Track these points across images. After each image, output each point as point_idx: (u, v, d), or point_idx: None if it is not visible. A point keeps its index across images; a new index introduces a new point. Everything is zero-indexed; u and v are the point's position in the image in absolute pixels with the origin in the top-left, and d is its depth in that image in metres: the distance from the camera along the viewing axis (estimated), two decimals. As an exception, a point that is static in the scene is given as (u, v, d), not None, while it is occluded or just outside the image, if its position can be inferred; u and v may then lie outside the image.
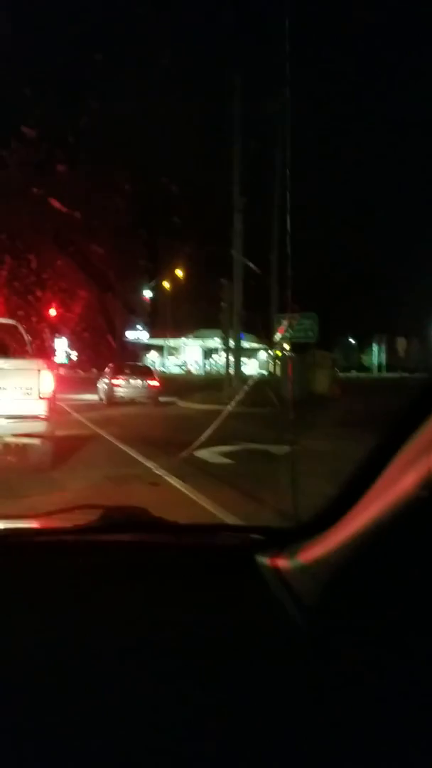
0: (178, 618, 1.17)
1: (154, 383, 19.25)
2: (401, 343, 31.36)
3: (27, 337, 8.90)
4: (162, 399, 19.45)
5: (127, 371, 19.62)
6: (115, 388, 18.75)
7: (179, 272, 39.80)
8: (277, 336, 18.93)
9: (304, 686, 0.99)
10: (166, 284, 42.14)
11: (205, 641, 1.11)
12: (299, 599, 1.12)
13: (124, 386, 18.83)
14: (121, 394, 18.63)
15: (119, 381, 18.89)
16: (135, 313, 41.01)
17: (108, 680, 1.01)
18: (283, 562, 1.22)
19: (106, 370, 20.19)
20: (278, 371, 19.98)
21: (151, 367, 23.65)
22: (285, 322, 18.40)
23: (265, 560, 1.28)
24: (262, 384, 18.47)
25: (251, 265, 19.10)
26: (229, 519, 5.00)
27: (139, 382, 19.00)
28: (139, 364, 25.07)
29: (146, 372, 20.52)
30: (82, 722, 0.93)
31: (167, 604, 1.22)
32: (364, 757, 0.85)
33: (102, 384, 19.73)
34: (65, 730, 0.91)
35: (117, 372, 19.35)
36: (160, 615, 1.19)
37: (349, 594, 1.03)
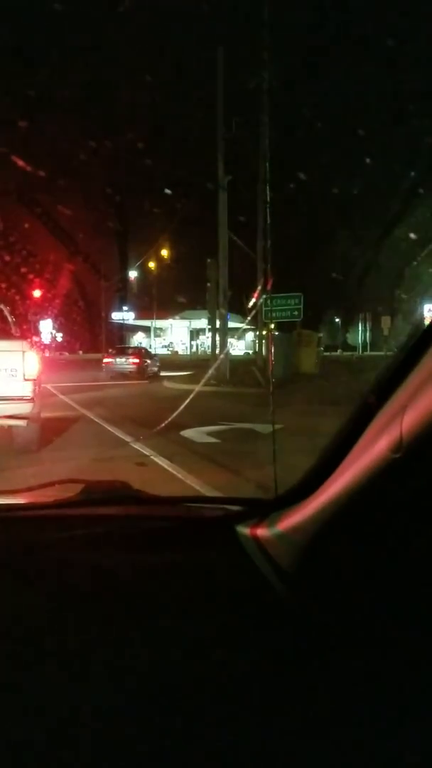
0: (161, 587, 1.19)
1: (135, 360, 24.24)
2: (386, 322, 31.35)
3: (11, 318, 8.81)
4: (149, 378, 23.09)
5: (118, 352, 25.74)
6: (106, 366, 24.07)
7: (165, 252, 39.43)
8: (252, 301, 18.89)
9: (284, 650, 1.01)
10: (152, 264, 41.77)
11: (186, 609, 1.12)
12: (278, 566, 1.14)
13: (113, 364, 24.00)
14: (112, 370, 23.63)
15: (109, 360, 24.54)
16: (120, 291, 40.69)
17: (89, 651, 1.02)
18: (262, 532, 1.24)
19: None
20: (264, 351, 19.98)
21: (140, 348, 29.72)
22: (259, 287, 18.44)
23: (245, 530, 1.30)
24: (248, 364, 18.60)
25: (239, 241, 18.93)
26: (214, 494, 5.03)
27: (124, 359, 24.32)
28: (132, 346, 31.76)
29: (133, 352, 25.93)
30: (65, 691, 0.94)
31: (149, 575, 1.23)
32: (342, 720, 0.87)
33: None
34: (50, 697, 0.93)
35: (110, 354, 25.60)
36: (143, 585, 1.20)
37: (326, 558, 1.05)
